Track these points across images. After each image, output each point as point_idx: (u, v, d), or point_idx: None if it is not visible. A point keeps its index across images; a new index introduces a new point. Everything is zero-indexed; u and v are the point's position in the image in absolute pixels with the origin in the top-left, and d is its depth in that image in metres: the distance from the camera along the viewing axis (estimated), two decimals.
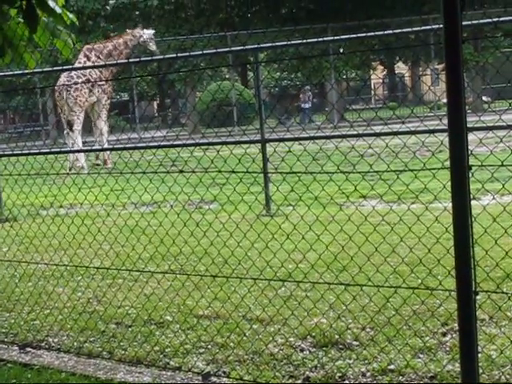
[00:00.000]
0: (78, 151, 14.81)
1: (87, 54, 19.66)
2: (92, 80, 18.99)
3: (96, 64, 18.14)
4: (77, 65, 18.58)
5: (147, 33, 20.38)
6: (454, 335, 4.52)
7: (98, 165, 19.07)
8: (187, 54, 8.99)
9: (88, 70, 19.33)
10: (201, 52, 8.37)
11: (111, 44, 20.02)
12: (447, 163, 3.15)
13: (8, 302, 6.09)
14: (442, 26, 3.02)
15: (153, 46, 20.75)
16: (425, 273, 5.15)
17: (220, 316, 5.26)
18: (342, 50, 27.69)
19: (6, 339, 5.36)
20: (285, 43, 9.22)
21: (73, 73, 19.15)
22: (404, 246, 5.07)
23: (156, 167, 5.55)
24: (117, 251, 6.14)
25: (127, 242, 6.03)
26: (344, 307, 4.88)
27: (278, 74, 52.48)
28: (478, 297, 3.24)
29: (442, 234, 4.13)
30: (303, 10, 36.86)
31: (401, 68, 51.38)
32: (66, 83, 18.85)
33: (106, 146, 18.33)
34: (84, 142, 19.71)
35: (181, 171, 4.83)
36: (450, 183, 3.15)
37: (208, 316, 5.32)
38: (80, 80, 18.92)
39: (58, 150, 6.69)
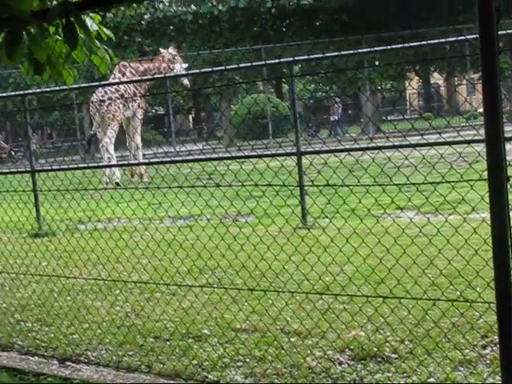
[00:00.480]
0: (115, 165, 14.93)
1: (122, 70, 19.85)
2: (126, 95, 19.17)
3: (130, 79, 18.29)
4: (111, 80, 18.77)
5: (179, 67, 20.44)
6: (494, 348, 4.47)
7: (132, 177, 19.20)
8: (222, 67, 9.04)
9: (122, 86, 19.49)
10: (236, 66, 8.39)
11: (146, 66, 20.20)
12: (485, 174, 3.13)
13: (47, 317, 6.13)
14: (477, 36, 3.01)
15: (185, 81, 20.93)
16: (463, 285, 5.10)
17: (258, 329, 5.25)
18: (377, 63, 27.64)
19: (45, 353, 5.39)
20: (319, 56, 9.23)
21: (106, 88, 19.34)
22: (442, 258, 5.04)
23: (193, 181, 5.57)
24: (155, 265, 6.17)
25: (165, 256, 6.05)
26: (382, 320, 4.85)
27: (313, 85, 52.50)
28: None
29: (480, 245, 4.09)
30: (337, 22, 36.84)
31: (436, 78, 51.14)
32: (101, 98, 19.04)
33: (141, 159, 18.54)
34: (120, 157, 19.88)
35: (217, 185, 4.85)
36: (488, 194, 3.12)
37: (246, 329, 5.31)
38: (114, 95, 19.12)
39: (96, 164, 6.74)
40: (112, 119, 19.45)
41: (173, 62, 20.47)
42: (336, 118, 36.75)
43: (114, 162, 18.17)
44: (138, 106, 20.25)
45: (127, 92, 19.49)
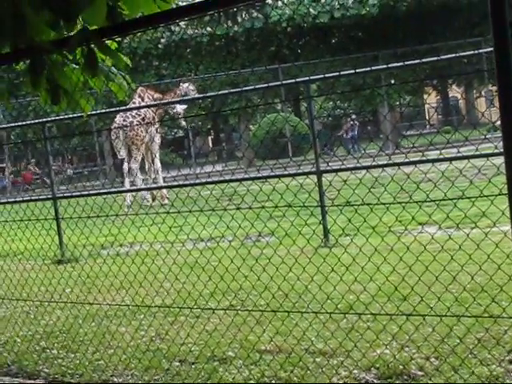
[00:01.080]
0: (134, 190, 15.00)
1: (141, 95, 20.04)
2: (146, 120, 19.37)
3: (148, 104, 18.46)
4: (131, 105, 18.93)
5: (179, 107, 20.61)
6: None
7: (154, 201, 19.32)
8: (239, 89, 9.07)
9: (143, 110, 19.69)
10: (253, 87, 8.41)
11: (160, 95, 20.38)
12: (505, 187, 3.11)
13: (73, 343, 6.14)
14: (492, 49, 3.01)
15: (182, 122, 21.33)
16: (488, 300, 5.07)
17: (282, 350, 5.23)
18: (393, 81, 27.64)
19: (72, 380, 5.41)
20: (336, 74, 9.22)
21: (128, 112, 19.55)
22: (465, 273, 5.01)
23: (213, 203, 5.59)
24: (177, 288, 6.17)
25: (187, 279, 6.06)
26: (407, 337, 4.83)
27: (331, 103, 52.51)
28: None
29: (503, 259, 4.08)
30: (353, 40, 36.89)
31: (453, 91, 50.99)
32: (123, 123, 19.25)
33: (161, 183, 18.71)
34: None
35: (238, 208, 4.87)
36: (508, 208, 3.11)
37: (270, 351, 5.29)
38: (136, 119, 19.32)
39: (116, 190, 6.78)
40: (138, 143, 19.69)
41: (178, 106, 20.59)
42: (351, 135, 36.76)
43: (139, 185, 18.49)
44: (156, 130, 20.43)
45: (147, 117, 19.70)
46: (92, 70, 3.91)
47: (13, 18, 3.46)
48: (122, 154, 20.05)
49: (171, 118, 20.84)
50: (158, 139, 20.64)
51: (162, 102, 16.89)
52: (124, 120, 19.47)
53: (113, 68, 4.93)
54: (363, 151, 22.89)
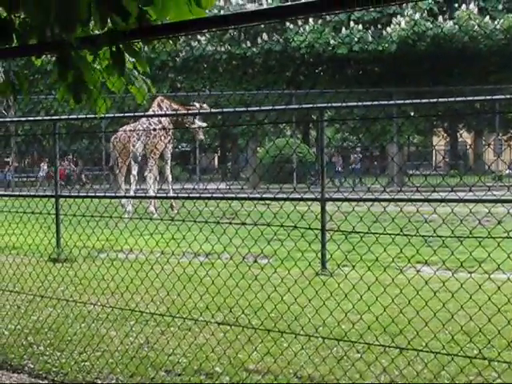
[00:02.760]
0: (140, 197, 15.00)
1: (160, 104, 20.10)
2: (165, 129, 19.45)
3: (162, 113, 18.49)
4: (150, 113, 18.99)
5: (199, 123, 20.69)
6: None
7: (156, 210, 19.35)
8: (256, 108, 9.09)
9: (163, 119, 19.76)
10: (270, 107, 8.44)
11: (177, 107, 20.35)
12: None
13: (61, 342, 6.11)
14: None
15: (200, 136, 21.40)
16: (482, 343, 5.05)
17: (271, 371, 5.20)
18: (412, 114, 27.73)
19: (55, 378, 5.38)
20: (351, 104, 9.26)
21: (151, 120, 19.68)
22: (462, 314, 4.99)
23: (218, 218, 5.58)
24: (173, 298, 6.15)
25: (184, 290, 6.04)
26: (398, 372, 4.80)
27: (340, 134, 52.69)
28: None
29: (503, 304, 4.06)
30: (370, 74, 37.04)
31: (464, 136, 51.12)
32: (145, 128, 19.34)
33: (171, 192, 18.80)
34: (140, 189, 20.15)
35: (243, 223, 4.86)
36: None
37: (259, 370, 5.25)
38: (157, 126, 19.44)
39: (121, 195, 6.77)
40: (156, 152, 19.79)
41: (195, 121, 20.60)
42: (354, 167, 36.83)
43: (152, 193, 18.55)
44: (169, 141, 20.51)
45: (166, 126, 19.77)
46: (119, 69, 3.93)
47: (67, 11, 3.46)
48: (139, 159, 20.09)
49: (185, 128, 20.82)
50: (170, 149, 20.73)
51: (180, 112, 16.90)
52: (147, 127, 19.53)
53: (134, 71, 4.94)
54: (364, 185, 22.90)
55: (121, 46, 3.75)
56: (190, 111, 19.86)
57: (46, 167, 39.21)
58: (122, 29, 3.59)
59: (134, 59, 5.04)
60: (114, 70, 4.11)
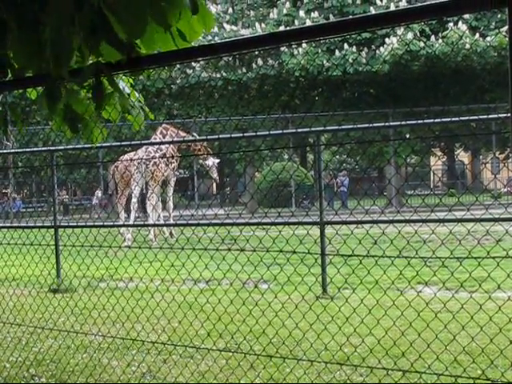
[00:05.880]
0: (141, 225, 15.03)
1: (164, 132, 20.07)
2: (168, 156, 19.42)
3: (164, 141, 18.48)
4: (153, 140, 18.96)
5: (212, 161, 20.77)
6: None
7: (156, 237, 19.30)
8: (253, 133, 9.12)
9: (164, 146, 19.75)
10: (268, 132, 8.47)
11: (183, 135, 20.29)
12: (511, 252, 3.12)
13: (62, 373, 6.09)
14: (508, 114, 3.03)
15: (214, 175, 21.44)
16: (485, 363, 5.04)
17: None
18: (408, 135, 27.80)
19: None
20: (348, 127, 9.31)
21: (150, 148, 19.67)
22: (464, 335, 4.98)
23: (217, 244, 5.58)
24: (174, 327, 6.14)
25: (185, 318, 6.03)
26: None
27: (338, 157, 52.72)
28: None
29: (505, 323, 4.06)
30: (365, 95, 37.13)
31: (461, 156, 51.21)
32: (145, 157, 19.31)
33: (171, 220, 18.89)
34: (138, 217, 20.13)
35: (242, 250, 4.86)
36: None
37: None
38: (157, 154, 19.43)
39: (121, 223, 6.77)
40: (157, 179, 19.75)
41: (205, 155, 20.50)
42: (344, 189, 36.68)
43: (151, 222, 18.50)
44: (173, 169, 20.50)
45: (168, 153, 19.73)
46: (98, 101, 3.95)
47: (59, 43, 3.49)
48: (140, 188, 20.07)
49: (188, 155, 20.79)
50: (172, 176, 20.68)
51: (176, 140, 16.97)
52: (147, 155, 19.50)
53: (130, 100, 4.97)
54: (356, 207, 22.79)
55: (103, 79, 3.79)
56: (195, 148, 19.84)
57: (99, 194, 38.89)
58: (107, 61, 3.64)
59: (128, 90, 5.08)
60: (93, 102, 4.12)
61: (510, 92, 2.91)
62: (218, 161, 21.13)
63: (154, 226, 18.51)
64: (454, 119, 7.98)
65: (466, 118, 8.34)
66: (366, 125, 9.45)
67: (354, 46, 33.94)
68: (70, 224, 6.71)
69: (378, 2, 33.76)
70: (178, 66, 31.73)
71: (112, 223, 6.68)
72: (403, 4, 32.36)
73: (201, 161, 20.14)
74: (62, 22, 3.43)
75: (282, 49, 34.97)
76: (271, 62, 35.82)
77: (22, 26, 3.58)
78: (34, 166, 30.56)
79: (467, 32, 32.51)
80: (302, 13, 35.31)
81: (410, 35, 32.57)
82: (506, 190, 29.30)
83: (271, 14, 36.78)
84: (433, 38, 33.17)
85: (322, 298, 8.27)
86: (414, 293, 6.56)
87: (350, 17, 3.19)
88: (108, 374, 5.86)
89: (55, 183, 10.62)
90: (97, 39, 3.55)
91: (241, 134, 9.85)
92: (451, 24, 32.88)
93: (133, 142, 10.69)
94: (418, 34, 33.02)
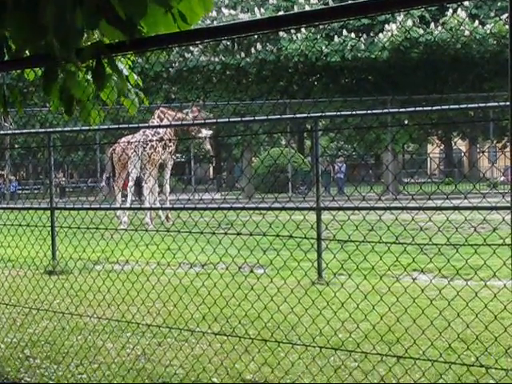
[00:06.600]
0: (139, 209, 15.02)
1: (161, 115, 19.99)
2: (165, 139, 19.38)
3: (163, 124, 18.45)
4: (150, 124, 18.90)
5: (205, 132, 20.71)
6: None
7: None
8: (251, 118, 9.10)
9: (161, 130, 19.71)
10: (265, 117, 8.45)
11: (181, 115, 20.24)
12: (508, 240, 3.12)
13: (57, 354, 6.09)
14: (507, 103, 3.02)
15: (207, 146, 21.43)
16: (479, 351, 5.05)
17: (268, 381, 5.19)
18: (406, 122, 27.75)
19: None
20: (346, 113, 9.29)
21: (147, 131, 19.61)
22: (459, 322, 4.99)
23: (213, 229, 5.58)
24: (169, 310, 6.14)
25: (180, 301, 6.03)
26: (395, 381, 4.79)
27: (335, 143, 52.75)
28: None
29: (499, 311, 4.06)
30: (363, 82, 37.07)
31: (458, 144, 51.23)
32: (142, 140, 19.25)
33: (168, 203, 18.89)
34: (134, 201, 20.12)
35: (238, 233, 4.86)
36: (510, 260, 3.10)
37: (256, 381, 5.25)
38: (154, 138, 19.39)
39: (118, 206, 6.76)
40: (153, 162, 19.71)
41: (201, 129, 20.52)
42: (341, 176, 36.66)
43: (148, 205, 18.48)
44: (171, 152, 20.46)
45: (165, 137, 19.69)
46: (99, 83, 3.93)
47: (60, 24, 3.46)
48: (139, 171, 19.99)
49: (188, 138, 20.73)
50: (171, 162, 20.64)
51: (175, 123, 16.93)
52: (144, 139, 19.45)
53: (128, 84, 4.96)
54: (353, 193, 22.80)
55: (103, 60, 3.77)
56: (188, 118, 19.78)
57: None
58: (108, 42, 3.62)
59: (127, 73, 5.07)
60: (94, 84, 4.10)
61: (509, 81, 2.90)
62: (211, 132, 21.06)
63: (150, 209, 18.51)
64: (453, 107, 7.97)
65: (465, 105, 8.33)
66: (364, 111, 9.44)
67: (353, 32, 33.83)
68: (67, 206, 6.70)
69: None
70: (176, 49, 31.65)
71: (109, 206, 6.66)
72: None
73: (193, 133, 19.97)
74: (65, 3, 3.41)
75: (281, 34, 34.88)
76: (270, 47, 35.69)
77: (19, 5, 3.55)
78: (30, 147, 30.44)
79: (467, 19, 32.42)
80: None
81: (409, 22, 32.46)
82: (502, 178, 29.30)
83: None
84: (432, 25, 33.06)
85: (317, 283, 8.28)
86: (409, 279, 6.57)
87: (350, 1, 3.17)
88: (102, 356, 5.87)
89: (52, 165, 10.60)
90: (99, 20, 3.53)
91: (239, 119, 9.83)
92: (451, 11, 32.79)
93: (130, 126, 10.68)
94: (418, 20, 32.91)
